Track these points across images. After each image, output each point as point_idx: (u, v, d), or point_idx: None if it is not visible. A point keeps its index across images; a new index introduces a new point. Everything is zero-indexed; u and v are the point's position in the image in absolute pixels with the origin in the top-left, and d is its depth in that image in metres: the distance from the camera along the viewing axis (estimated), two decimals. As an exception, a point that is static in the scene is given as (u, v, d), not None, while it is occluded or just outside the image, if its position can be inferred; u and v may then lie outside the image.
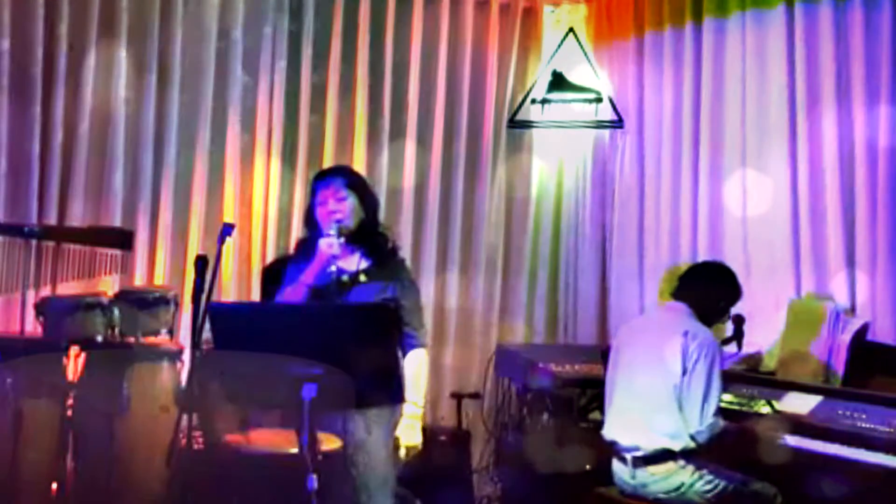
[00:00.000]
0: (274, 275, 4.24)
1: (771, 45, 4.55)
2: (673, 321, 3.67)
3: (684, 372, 3.54)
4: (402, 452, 3.24)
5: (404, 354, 3.27)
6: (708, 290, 3.77)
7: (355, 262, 3.31)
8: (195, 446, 3.47)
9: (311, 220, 3.37)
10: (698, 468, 3.56)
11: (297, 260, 3.36)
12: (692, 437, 3.53)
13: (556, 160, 5.64)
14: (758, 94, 4.60)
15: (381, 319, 2.72)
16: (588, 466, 4.16)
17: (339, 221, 3.25)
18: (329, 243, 3.21)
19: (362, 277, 3.28)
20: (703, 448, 3.55)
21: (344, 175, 3.39)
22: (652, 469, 3.58)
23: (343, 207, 3.28)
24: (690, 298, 3.73)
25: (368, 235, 3.34)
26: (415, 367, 3.29)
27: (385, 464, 3.22)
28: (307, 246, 3.34)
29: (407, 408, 3.25)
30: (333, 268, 3.25)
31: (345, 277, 3.27)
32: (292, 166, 5.11)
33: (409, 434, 3.26)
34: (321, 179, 3.37)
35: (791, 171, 4.46)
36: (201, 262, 3.09)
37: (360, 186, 3.37)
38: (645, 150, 5.20)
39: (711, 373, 3.53)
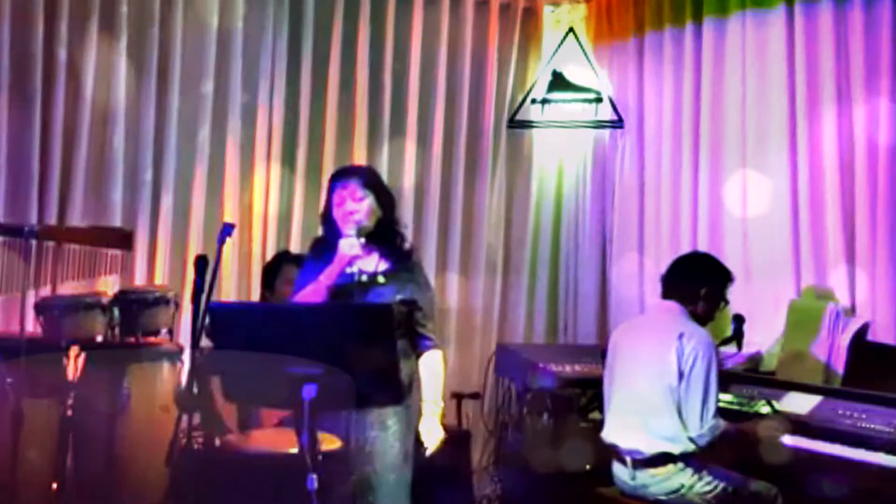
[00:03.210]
0: (272, 272, 4.25)
1: (771, 45, 4.55)
2: (667, 322, 3.66)
3: (681, 375, 3.52)
4: (433, 443, 3.24)
5: (419, 355, 3.28)
6: (688, 282, 3.73)
7: (374, 263, 3.28)
8: (195, 446, 3.47)
9: (328, 220, 3.32)
10: (698, 470, 3.55)
11: (315, 259, 3.32)
12: (693, 441, 3.51)
13: (556, 160, 5.64)
14: (758, 94, 4.60)
15: (381, 320, 2.71)
16: (588, 466, 4.16)
17: (357, 222, 3.21)
18: (350, 244, 3.18)
19: (380, 279, 3.25)
20: (704, 450, 3.54)
21: (361, 174, 3.34)
22: (652, 471, 3.57)
23: (361, 208, 3.24)
24: (677, 295, 3.71)
25: (386, 235, 3.30)
26: (434, 366, 3.30)
27: (401, 463, 3.21)
28: (325, 246, 3.30)
29: (427, 406, 3.26)
30: (355, 268, 3.22)
31: (364, 278, 3.24)
32: (292, 166, 5.11)
33: (433, 430, 3.26)
34: (338, 179, 3.31)
35: (791, 170, 4.46)
36: (201, 262, 3.10)
37: (377, 185, 3.32)
38: (645, 150, 5.20)
39: (709, 375, 3.52)
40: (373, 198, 3.27)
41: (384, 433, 3.18)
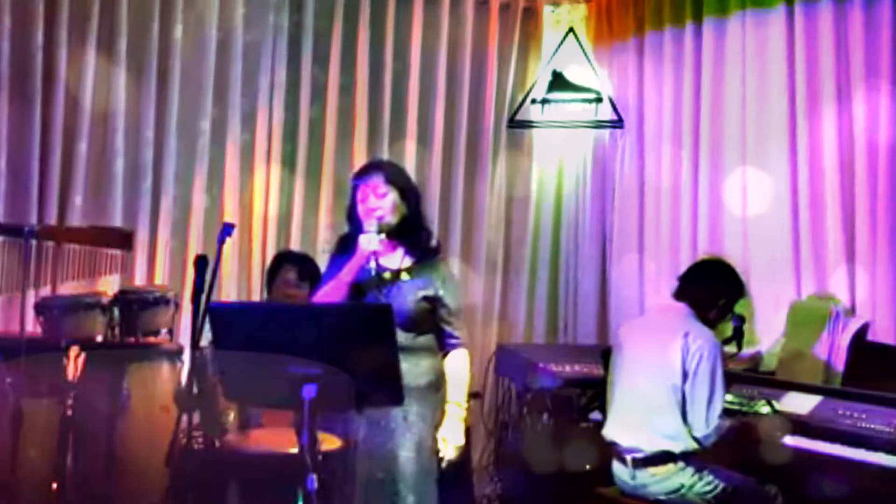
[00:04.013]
0: (272, 273, 4.24)
1: (771, 45, 4.55)
2: (674, 322, 3.66)
3: (685, 374, 3.53)
4: (450, 453, 3.19)
5: (445, 354, 3.25)
6: (708, 289, 3.74)
7: (398, 259, 3.24)
8: (195, 446, 3.47)
9: (352, 217, 3.29)
10: (698, 470, 3.55)
11: (339, 256, 3.29)
12: (699, 441, 3.51)
13: (556, 160, 5.64)
14: (758, 94, 4.60)
15: (380, 320, 2.71)
16: (588, 466, 4.15)
17: (380, 218, 3.17)
18: (368, 239, 3.14)
19: (404, 275, 3.21)
20: (707, 449, 3.54)
21: (383, 170, 3.29)
22: (652, 470, 3.57)
23: (384, 204, 3.20)
24: (690, 298, 3.71)
25: (411, 231, 3.26)
26: (459, 366, 3.27)
27: (426, 461, 3.16)
28: (348, 242, 3.27)
29: (451, 409, 3.22)
30: (373, 264, 3.17)
31: (386, 274, 3.20)
32: (292, 166, 5.11)
33: (455, 435, 3.21)
34: (361, 176, 3.28)
35: (791, 170, 4.46)
36: (201, 262, 3.10)
37: (400, 181, 3.28)
38: (645, 150, 5.20)
39: (714, 375, 3.52)
40: (396, 193, 3.22)
41: (409, 431, 3.14)
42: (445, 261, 3.40)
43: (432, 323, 3.23)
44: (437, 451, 3.18)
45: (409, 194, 3.28)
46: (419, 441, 3.15)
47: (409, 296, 3.16)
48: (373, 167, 3.36)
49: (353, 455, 3.07)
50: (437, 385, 3.23)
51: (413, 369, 3.10)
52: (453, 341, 3.27)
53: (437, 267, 3.27)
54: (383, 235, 3.18)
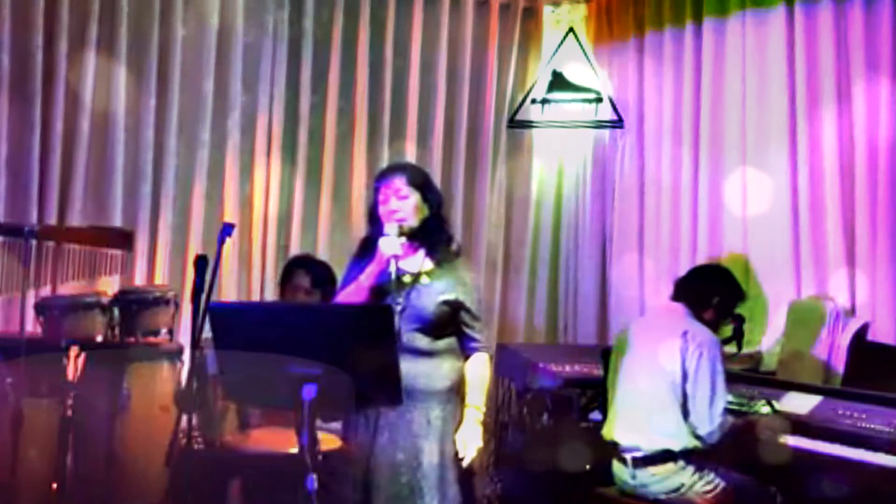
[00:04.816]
0: (284, 278, 4.23)
1: (771, 45, 4.55)
2: (672, 322, 3.67)
3: (685, 373, 3.53)
4: (471, 453, 3.14)
5: (466, 358, 3.21)
6: (700, 289, 3.75)
7: (418, 262, 3.20)
8: (195, 446, 3.47)
9: (373, 219, 3.26)
10: (698, 469, 3.55)
11: (359, 259, 3.26)
12: (703, 439, 3.51)
13: (556, 160, 5.64)
14: (758, 94, 4.60)
15: (381, 320, 2.71)
16: (588, 466, 4.15)
17: (400, 220, 3.14)
18: (388, 243, 3.11)
19: (424, 279, 3.17)
20: (712, 447, 3.54)
21: (405, 172, 3.26)
22: (652, 469, 3.57)
23: (405, 206, 3.17)
24: (687, 299, 3.72)
25: (432, 234, 3.22)
26: (479, 370, 3.22)
27: (448, 465, 3.12)
28: (369, 244, 3.24)
29: (469, 412, 3.17)
30: (393, 267, 3.12)
31: (406, 277, 3.16)
32: (292, 167, 5.11)
33: (474, 436, 3.16)
34: (383, 177, 3.25)
35: (791, 170, 4.46)
36: (201, 261, 3.10)
37: (422, 183, 3.24)
38: (645, 150, 5.20)
39: (715, 373, 3.52)
40: (418, 196, 3.19)
41: (430, 434, 3.11)
42: (467, 264, 3.36)
43: (454, 326, 3.18)
44: (457, 453, 3.14)
45: (431, 197, 3.24)
46: (441, 444, 3.12)
47: (429, 299, 3.12)
48: (395, 169, 3.34)
49: (372, 457, 3.06)
50: (458, 388, 3.19)
51: (434, 373, 3.09)
52: (474, 345, 3.22)
53: (457, 270, 3.22)
54: (404, 238, 3.14)
